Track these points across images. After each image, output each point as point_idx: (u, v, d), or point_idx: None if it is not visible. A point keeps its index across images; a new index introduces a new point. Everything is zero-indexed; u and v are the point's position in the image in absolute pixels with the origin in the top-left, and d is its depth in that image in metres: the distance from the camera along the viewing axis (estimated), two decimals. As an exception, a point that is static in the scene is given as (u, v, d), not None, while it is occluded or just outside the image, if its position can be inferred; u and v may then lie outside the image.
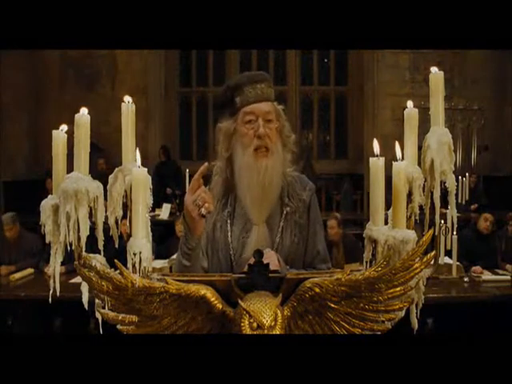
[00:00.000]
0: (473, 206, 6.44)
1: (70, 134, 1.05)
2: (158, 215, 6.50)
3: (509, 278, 3.99)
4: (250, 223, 1.60)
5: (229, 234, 1.60)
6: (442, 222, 3.46)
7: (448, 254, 4.07)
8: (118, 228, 1.11)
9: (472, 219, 4.63)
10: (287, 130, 1.63)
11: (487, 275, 4.12)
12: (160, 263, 4.18)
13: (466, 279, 3.96)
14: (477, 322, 3.33)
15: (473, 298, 3.69)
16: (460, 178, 5.93)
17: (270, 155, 1.55)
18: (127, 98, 1.01)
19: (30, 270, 4.19)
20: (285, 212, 1.60)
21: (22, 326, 3.64)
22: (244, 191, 1.58)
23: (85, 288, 1.05)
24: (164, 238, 5.24)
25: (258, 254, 1.06)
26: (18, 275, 4.04)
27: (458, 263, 4.05)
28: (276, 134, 1.58)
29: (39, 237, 4.72)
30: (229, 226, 1.61)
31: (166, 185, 7.33)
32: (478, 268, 4.16)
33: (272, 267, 1.30)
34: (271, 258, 1.44)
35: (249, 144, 1.55)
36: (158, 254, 4.46)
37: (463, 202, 6.22)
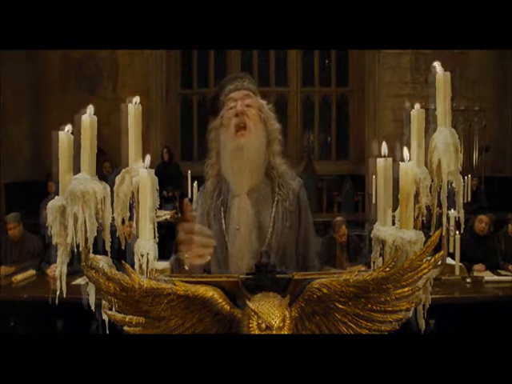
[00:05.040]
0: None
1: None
2: (159, 216, 6.48)
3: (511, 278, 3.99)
4: None
5: (223, 221, 1.62)
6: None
7: (448, 254, 4.06)
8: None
9: (469, 221, 4.62)
10: (272, 120, 1.69)
11: (490, 276, 4.12)
12: (161, 264, 4.16)
13: (468, 280, 3.96)
14: (479, 323, 3.31)
15: (475, 299, 3.68)
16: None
17: (248, 133, 1.59)
18: (135, 99, 1.00)
19: (31, 272, 4.19)
20: (276, 199, 1.64)
21: (24, 328, 3.63)
22: (225, 165, 1.62)
23: (91, 289, 1.04)
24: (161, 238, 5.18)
25: (266, 254, 1.06)
26: (19, 277, 4.04)
27: (460, 264, 4.05)
28: (257, 117, 1.64)
29: (40, 238, 4.72)
30: (222, 213, 1.63)
31: (166, 186, 7.30)
32: (480, 266, 4.15)
33: None
34: None
35: (229, 124, 1.61)
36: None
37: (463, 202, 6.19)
